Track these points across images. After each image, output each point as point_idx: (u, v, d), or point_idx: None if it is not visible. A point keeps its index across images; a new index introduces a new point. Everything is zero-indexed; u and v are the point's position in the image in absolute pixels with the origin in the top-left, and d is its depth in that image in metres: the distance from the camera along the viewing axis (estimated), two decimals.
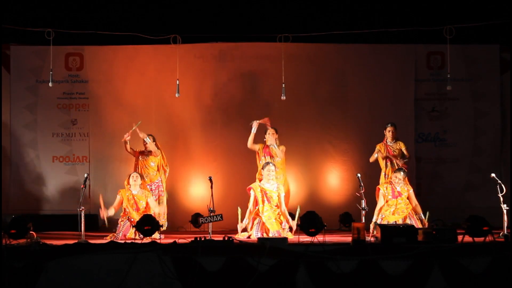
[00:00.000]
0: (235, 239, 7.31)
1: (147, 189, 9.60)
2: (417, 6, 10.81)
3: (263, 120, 9.87)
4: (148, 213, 8.89)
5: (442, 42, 10.03)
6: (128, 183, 9.28)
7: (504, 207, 8.40)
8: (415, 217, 9.26)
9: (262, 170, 9.43)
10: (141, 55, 11.30)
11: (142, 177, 9.52)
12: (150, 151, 10.06)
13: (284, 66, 9.95)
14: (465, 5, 10.64)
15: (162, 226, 8.37)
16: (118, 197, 9.25)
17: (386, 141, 10.07)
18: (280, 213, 9.19)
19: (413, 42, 11.27)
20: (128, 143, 10.00)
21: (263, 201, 9.19)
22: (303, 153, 11.12)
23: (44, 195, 11.22)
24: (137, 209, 9.11)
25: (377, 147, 10.09)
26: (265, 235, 8.96)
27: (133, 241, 7.42)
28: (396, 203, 9.27)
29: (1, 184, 10.63)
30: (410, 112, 11.34)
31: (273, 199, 9.22)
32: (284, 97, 9.91)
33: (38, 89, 11.25)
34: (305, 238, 7.63)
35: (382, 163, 10.09)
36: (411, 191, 9.34)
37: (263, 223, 9.09)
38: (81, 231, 8.20)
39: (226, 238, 7.24)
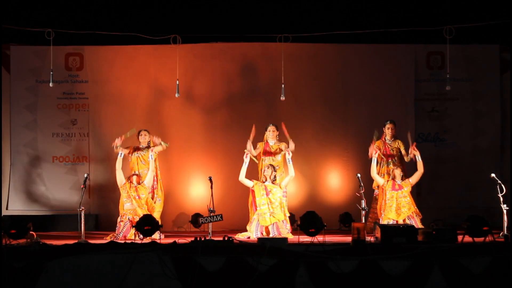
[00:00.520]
0: (235, 239, 7.31)
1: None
2: (417, 6, 10.81)
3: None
4: (148, 213, 8.90)
5: (442, 42, 10.03)
6: (129, 181, 9.25)
7: (504, 207, 8.41)
8: (415, 217, 9.27)
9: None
10: (141, 55, 11.30)
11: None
12: (148, 146, 9.90)
13: (284, 66, 9.95)
14: (465, 5, 10.64)
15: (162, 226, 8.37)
16: (122, 192, 9.25)
17: (385, 139, 10.02)
18: (277, 211, 9.18)
19: (413, 42, 11.28)
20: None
21: (261, 194, 9.17)
22: (303, 153, 11.10)
23: (44, 195, 11.22)
24: (139, 197, 9.11)
25: (376, 143, 9.98)
26: (264, 235, 8.97)
27: (133, 241, 7.42)
28: (397, 197, 9.25)
29: (1, 184, 10.64)
30: (410, 112, 11.34)
31: (273, 192, 9.20)
32: (284, 97, 9.91)
33: (38, 89, 11.25)
34: (305, 238, 7.63)
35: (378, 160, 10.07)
36: (411, 179, 9.45)
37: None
38: (81, 231, 8.20)
39: (226, 238, 7.24)
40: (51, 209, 11.13)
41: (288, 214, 9.33)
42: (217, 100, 11.36)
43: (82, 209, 8.23)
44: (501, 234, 8.12)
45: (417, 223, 9.15)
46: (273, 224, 9.06)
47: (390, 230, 7.44)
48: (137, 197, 9.14)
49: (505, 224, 8.37)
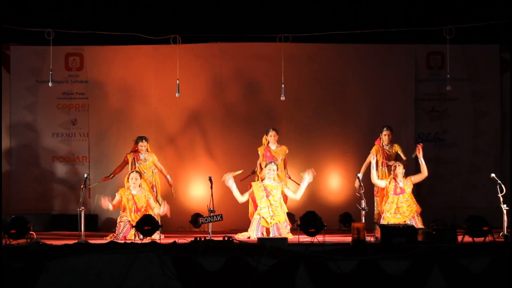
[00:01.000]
0: (235, 239, 7.31)
1: (149, 187, 9.51)
2: (417, 6, 10.81)
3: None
4: (148, 213, 8.88)
5: (442, 42, 10.03)
6: (128, 182, 9.24)
7: (504, 207, 8.40)
8: (416, 217, 9.27)
9: (264, 168, 9.42)
10: (141, 55, 11.30)
11: (141, 175, 9.36)
12: (146, 155, 9.91)
13: (284, 66, 9.95)
14: (465, 5, 10.64)
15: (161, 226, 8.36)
16: (117, 197, 9.22)
17: (382, 144, 10.04)
18: (278, 212, 9.18)
19: (413, 42, 11.28)
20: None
21: (262, 196, 9.17)
22: (303, 153, 11.11)
23: (44, 195, 11.22)
24: (137, 210, 9.07)
25: (373, 150, 10.00)
26: (265, 235, 8.97)
27: (133, 241, 7.42)
28: (397, 202, 9.26)
29: (1, 184, 10.63)
30: (410, 112, 11.34)
31: (273, 194, 9.20)
32: (284, 98, 9.91)
33: (38, 89, 11.25)
34: (305, 238, 7.62)
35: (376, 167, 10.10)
36: (412, 177, 9.45)
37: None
38: (81, 231, 8.20)
39: (226, 238, 7.24)
40: (51, 209, 11.13)
41: (286, 210, 9.32)
42: (217, 100, 11.36)
43: (82, 209, 8.22)
44: (501, 234, 8.11)
45: (417, 223, 9.15)
46: (273, 224, 9.07)
47: (390, 230, 7.43)
48: (134, 211, 9.06)
49: (505, 224, 8.37)
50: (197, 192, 11.09)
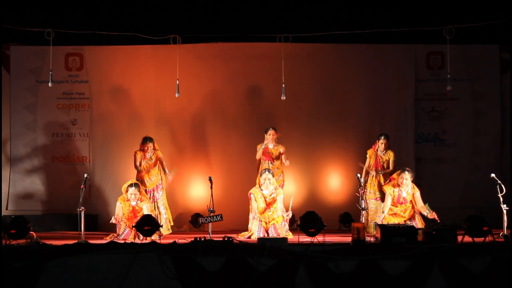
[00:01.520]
0: (235, 239, 7.31)
1: (145, 196, 9.50)
2: (417, 6, 10.81)
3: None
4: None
5: (442, 42, 10.03)
6: (126, 193, 9.21)
7: (504, 207, 8.41)
8: (416, 217, 9.27)
9: (260, 176, 9.42)
10: (141, 55, 11.30)
11: (140, 188, 9.35)
12: (152, 154, 9.95)
13: (284, 66, 9.95)
14: (465, 5, 10.64)
15: (162, 226, 8.37)
16: (119, 204, 9.22)
17: (377, 150, 10.09)
18: (276, 215, 9.21)
19: (413, 42, 11.28)
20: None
21: (264, 209, 9.22)
22: (303, 153, 11.11)
23: (44, 195, 11.22)
24: (136, 217, 9.06)
25: (368, 153, 10.11)
26: (266, 235, 8.98)
27: (133, 241, 7.42)
28: (398, 210, 9.28)
29: (1, 184, 10.64)
30: (410, 112, 11.34)
31: (273, 206, 9.26)
32: (284, 97, 9.92)
33: (38, 89, 11.25)
34: (305, 238, 7.63)
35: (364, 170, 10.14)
36: (418, 194, 9.27)
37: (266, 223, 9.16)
38: (81, 231, 8.20)
39: (226, 238, 7.24)
40: (51, 209, 11.13)
41: (286, 214, 9.32)
42: (217, 100, 11.35)
43: (82, 209, 8.22)
44: (501, 234, 8.12)
45: (417, 223, 9.15)
46: (271, 225, 9.08)
47: (390, 230, 7.43)
48: (133, 218, 9.06)
49: (505, 224, 8.38)
50: (197, 192, 11.09)
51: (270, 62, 10.95)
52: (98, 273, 6.84)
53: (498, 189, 8.51)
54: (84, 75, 11.35)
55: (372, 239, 7.67)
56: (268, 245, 6.95)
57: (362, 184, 8.66)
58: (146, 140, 9.92)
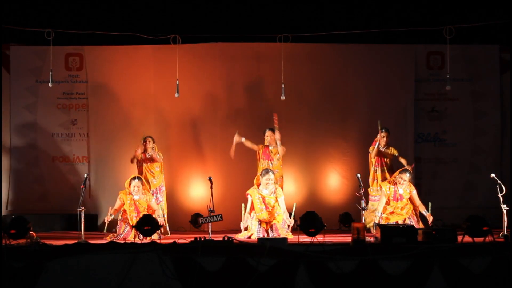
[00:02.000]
0: (235, 239, 7.31)
1: (148, 191, 9.53)
2: (417, 6, 10.81)
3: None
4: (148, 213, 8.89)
5: (442, 42, 10.03)
6: (129, 187, 9.24)
7: (504, 207, 8.41)
8: (415, 217, 9.27)
9: (260, 176, 9.41)
10: (141, 55, 11.30)
11: (143, 182, 9.40)
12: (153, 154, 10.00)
13: (284, 66, 9.95)
14: (465, 5, 10.64)
15: (162, 226, 8.37)
16: (119, 201, 9.23)
17: (379, 146, 10.04)
18: (275, 214, 9.20)
19: (413, 42, 11.27)
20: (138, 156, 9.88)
21: (261, 209, 9.21)
22: (302, 153, 11.12)
23: (44, 195, 11.22)
24: (138, 212, 9.08)
25: (370, 150, 10.08)
26: (265, 235, 8.98)
27: (133, 241, 7.42)
28: (395, 206, 9.29)
29: (1, 184, 10.64)
30: (410, 112, 11.34)
31: (271, 204, 9.24)
32: (284, 97, 9.91)
33: (38, 89, 11.25)
34: (305, 238, 7.63)
35: (372, 167, 10.08)
36: (414, 192, 9.36)
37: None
38: (81, 231, 8.20)
39: (226, 238, 7.24)
40: (51, 209, 11.12)
41: (286, 213, 9.32)
42: (217, 100, 11.36)
43: (82, 209, 8.22)
44: (501, 234, 8.12)
45: (416, 223, 9.15)
46: (271, 225, 9.08)
47: (390, 230, 7.43)
48: (135, 216, 9.07)
49: (505, 224, 8.38)
50: (197, 192, 11.09)
51: (270, 62, 10.96)
52: (98, 273, 6.84)
53: (498, 189, 8.51)
54: (84, 75, 11.34)
55: (372, 239, 7.67)
56: (268, 245, 6.95)
57: (362, 184, 8.66)
58: (146, 137, 10.03)
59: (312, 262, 6.89)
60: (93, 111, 11.30)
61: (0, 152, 10.94)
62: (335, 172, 11.32)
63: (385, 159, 10.03)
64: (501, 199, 8.45)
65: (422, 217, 9.35)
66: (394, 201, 9.27)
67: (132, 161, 10.03)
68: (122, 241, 8.36)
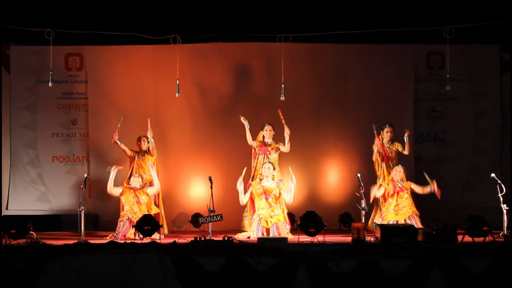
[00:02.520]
0: (235, 239, 7.31)
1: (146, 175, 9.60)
2: (417, 6, 10.81)
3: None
4: (148, 213, 8.89)
5: (442, 42, 10.03)
6: (128, 183, 9.27)
7: (504, 207, 8.41)
8: (415, 216, 9.28)
9: (261, 168, 9.42)
10: (141, 55, 11.30)
11: (142, 178, 9.53)
12: (146, 151, 9.98)
13: (284, 66, 9.95)
14: (465, 5, 10.64)
15: (161, 226, 8.38)
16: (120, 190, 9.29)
17: (383, 142, 10.04)
18: (277, 211, 9.19)
19: (413, 42, 11.27)
20: (119, 142, 9.90)
21: (260, 197, 9.18)
22: (302, 153, 11.11)
23: (44, 195, 11.22)
24: (138, 202, 9.10)
25: (373, 147, 10.05)
26: (265, 235, 8.97)
27: (133, 241, 7.42)
28: (397, 198, 9.27)
29: (1, 184, 10.64)
30: (410, 112, 11.34)
31: (272, 194, 9.21)
32: (284, 98, 9.91)
33: (38, 89, 11.25)
34: (305, 238, 7.63)
35: (377, 166, 10.06)
36: (413, 184, 9.52)
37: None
38: (81, 231, 8.20)
39: (226, 238, 7.24)
40: (51, 209, 11.13)
41: (286, 211, 9.32)
42: (217, 100, 11.36)
43: (82, 209, 8.23)
44: (501, 234, 8.12)
45: (417, 223, 9.15)
46: (273, 224, 9.07)
47: (390, 230, 7.44)
48: (136, 203, 9.11)
49: (505, 224, 8.38)
50: (197, 192, 11.09)
51: (270, 62, 10.96)
52: (98, 273, 6.85)
53: (498, 189, 8.52)
54: (84, 75, 11.34)
55: (372, 238, 7.68)
56: (268, 245, 6.96)
57: (362, 184, 8.66)
58: (140, 136, 10.04)
59: (312, 262, 6.90)
60: (93, 111, 11.29)
61: (0, 152, 10.94)
62: (335, 172, 11.32)
63: (390, 155, 10.00)
64: (501, 199, 8.46)
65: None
66: (394, 193, 9.28)
67: (117, 145, 9.95)
68: (122, 240, 8.40)
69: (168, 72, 10.60)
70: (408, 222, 9.13)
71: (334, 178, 11.32)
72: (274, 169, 9.47)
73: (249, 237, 9.11)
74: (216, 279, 6.84)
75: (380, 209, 9.64)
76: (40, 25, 10.12)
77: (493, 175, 8.70)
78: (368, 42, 11.11)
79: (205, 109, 11.34)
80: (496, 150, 11.37)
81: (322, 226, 7.52)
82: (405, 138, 9.75)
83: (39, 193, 11.22)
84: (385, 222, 9.18)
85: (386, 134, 9.99)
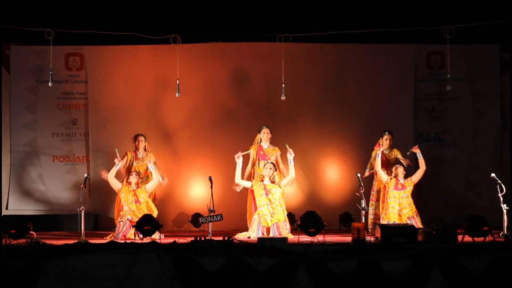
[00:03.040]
0: (235, 239, 7.31)
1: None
2: (417, 6, 10.81)
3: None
4: (148, 213, 8.89)
5: (442, 42, 10.02)
6: (127, 183, 9.26)
7: (504, 207, 8.41)
8: (415, 217, 9.28)
9: (263, 169, 9.43)
10: (141, 55, 11.30)
11: (139, 175, 9.52)
12: (144, 151, 9.91)
13: (284, 66, 9.95)
14: (465, 5, 10.64)
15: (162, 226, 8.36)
16: (119, 185, 9.28)
17: (382, 148, 9.95)
18: (277, 210, 9.19)
19: (413, 42, 11.27)
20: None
21: (261, 194, 9.19)
22: (302, 153, 11.10)
23: (44, 195, 11.22)
24: (137, 201, 9.10)
25: (373, 154, 9.93)
26: (265, 235, 8.98)
27: (133, 241, 7.42)
28: (399, 197, 9.27)
29: (1, 184, 10.63)
30: (410, 112, 11.34)
31: (272, 192, 9.22)
32: (284, 97, 9.91)
33: (38, 89, 11.25)
34: (305, 238, 7.63)
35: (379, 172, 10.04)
36: (412, 179, 9.53)
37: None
38: (81, 231, 8.20)
39: (226, 238, 7.24)
40: (51, 209, 11.13)
41: (285, 212, 9.33)
42: (217, 100, 11.36)
43: (82, 209, 8.23)
44: (501, 234, 8.12)
45: (417, 223, 9.15)
46: (273, 224, 9.08)
47: (390, 230, 7.44)
48: (135, 202, 9.11)
49: (505, 224, 8.38)
50: (197, 192, 11.09)
51: (270, 62, 10.95)
52: (98, 273, 6.85)
53: (498, 189, 8.51)
54: (84, 75, 11.34)
55: (372, 238, 7.68)
56: (268, 245, 6.96)
57: (362, 184, 8.66)
58: (137, 135, 9.93)
59: (312, 262, 6.90)
60: (93, 111, 11.29)
61: (0, 152, 10.94)
62: (335, 172, 11.32)
63: (389, 162, 9.98)
64: (501, 199, 8.45)
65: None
66: (395, 190, 9.28)
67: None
68: (122, 240, 8.40)
69: (168, 72, 10.60)
70: (408, 222, 9.12)
71: (334, 178, 11.32)
72: (275, 170, 9.46)
73: (249, 237, 9.11)
74: (216, 279, 6.84)
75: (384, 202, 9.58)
76: (40, 25, 10.12)
77: (493, 175, 8.70)
78: (368, 42, 11.11)
79: (205, 109, 11.34)
80: (496, 150, 11.37)
81: (322, 226, 7.52)
82: (418, 155, 9.55)
83: (39, 193, 11.22)
84: (385, 222, 9.17)
85: (385, 141, 9.88)
